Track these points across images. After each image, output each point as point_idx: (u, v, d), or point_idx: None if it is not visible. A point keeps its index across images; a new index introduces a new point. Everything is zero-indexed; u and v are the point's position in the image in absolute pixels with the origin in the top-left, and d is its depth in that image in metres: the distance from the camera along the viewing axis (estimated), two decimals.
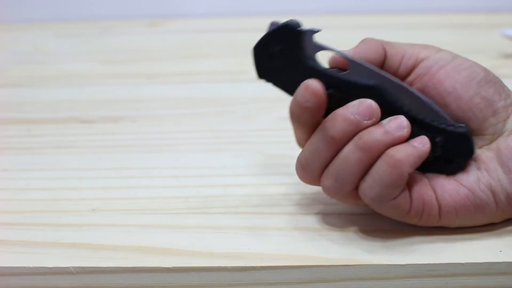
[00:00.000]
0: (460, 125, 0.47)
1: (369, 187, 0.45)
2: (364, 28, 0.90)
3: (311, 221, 0.50)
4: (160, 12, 0.96)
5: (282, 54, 0.47)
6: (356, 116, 0.46)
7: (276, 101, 0.66)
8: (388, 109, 0.46)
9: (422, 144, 0.46)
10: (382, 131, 0.45)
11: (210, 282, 0.46)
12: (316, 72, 0.47)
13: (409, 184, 0.46)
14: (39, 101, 0.72)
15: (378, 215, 0.48)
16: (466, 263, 0.45)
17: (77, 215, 0.51)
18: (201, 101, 0.70)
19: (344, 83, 0.47)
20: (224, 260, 0.46)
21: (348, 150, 0.46)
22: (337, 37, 0.87)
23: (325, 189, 0.47)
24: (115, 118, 0.67)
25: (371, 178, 0.45)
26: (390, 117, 0.46)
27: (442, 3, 0.94)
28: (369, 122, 0.46)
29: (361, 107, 0.46)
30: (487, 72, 0.48)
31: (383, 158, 0.45)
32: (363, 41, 0.50)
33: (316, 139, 0.47)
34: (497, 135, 0.47)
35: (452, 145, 0.46)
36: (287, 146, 0.58)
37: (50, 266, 0.46)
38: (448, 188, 0.46)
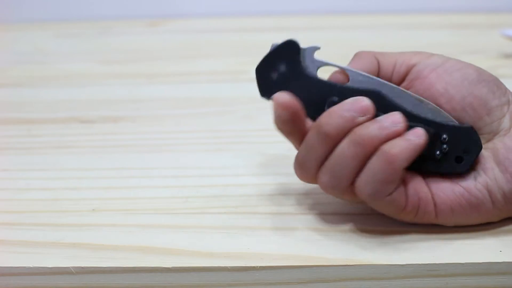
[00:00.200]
0: (464, 124, 0.47)
1: (364, 183, 0.45)
2: (364, 28, 0.90)
3: (311, 221, 0.50)
4: (160, 12, 0.96)
5: (285, 72, 0.48)
6: (351, 112, 0.46)
7: None
8: (390, 111, 0.46)
9: (416, 136, 0.45)
10: (377, 126, 0.45)
11: (210, 282, 0.46)
12: (318, 83, 0.48)
13: (405, 180, 0.46)
14: (39, 101, 0.72)
15: (378, 215, 0.48)
16: (466, 263, 0.45)
17: (77, 215, 0.51)
18: (201, 101, 0.70)
19: (345, 89, 0.47)
20: (224, 260, 0.46)
21: (344, 145, 0.46)
22: (337, 37, 0.87)
23: (322, 186, 0.47)
24: (115, 118, 0.67)
25: (366, 174, 0.45)
26: (385, 114, 0.46)
27: (442, 3, 0.94)
28: (363, 118, 0.46)
29: (356, 104, 0.46)
30: (480, 72, 0.48)
31: (378, 153, 0.45)
32: (356, 55, 0.50)
33: (311, 137, 0.47)
34: (493, 134, 0.48)
35: (458, 141, 0.47)
36: (287, 146, 0.58)
37: (50, 266, 0.46)
38: (443, 186, 0.47)
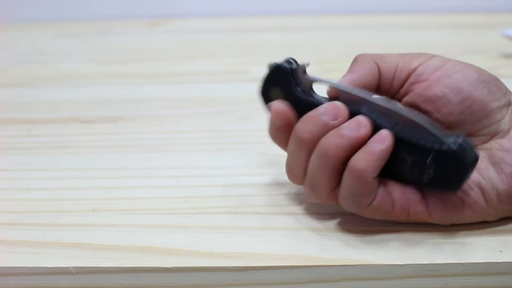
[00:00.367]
0: (455, 139, 0.44)
1: (343, 198, 0.46)
2: (364, 28, 0.90)
3: (311, 221, 0.50)
4: (160, 12, 0.96)
5: (280, 94, 0.50)
6: (323, 116, 0.46)
7: None
8: (376, 131, 0.46)
9: (380, 142, 0.45)
10: (337, 134, 0.45)
11: (210, 282, 0.46)
12: (309, 102, 0.48)
13: (387, 184, 0.46)
14: (39, 101, 0.72)
15: None
16: (466, 263, 0.45)
17: (77, 215, 0.51)
18: (201, 101, 0.70)
19: None
20: (224, 260, 0.46)
21: (314, 157, 0.46)
22: (337, 37, 0.87)
23: (307, 195, 0.48)
24: (115, 118, 0.67)
25: (343, 190, 0.46)
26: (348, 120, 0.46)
27: (442, 3, 0.94)
28: (336, 122, 0.46)
29: (328, 107, 0.46)
30: (480, 72, 0.48)
31: (347, 169, 0.45)
32: (356, 59, 0.49)
33: (291, 143, 0.48)
34: (490, 136, 0.47)
35: (444, 165, 0.44)
36: None
37: (50, 266, 0.46)
38: None
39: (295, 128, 0.47)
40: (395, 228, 0.48)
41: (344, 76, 0.48)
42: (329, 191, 0.47)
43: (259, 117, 0.65)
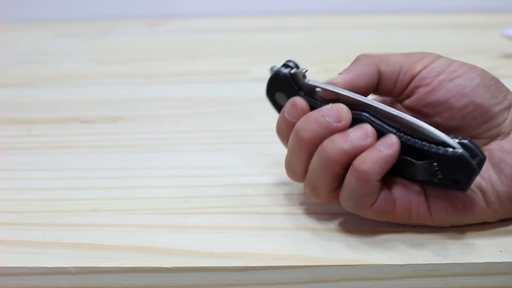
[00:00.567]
0: (460, 142, 0.44)
1: (344, 198, 0.46)
2: (364, 28, 0.90)
3: (311, 221, 0.50)
4: (160, 12, 0.96)
5: (284, 97, 0.50)
6: (326, 118, 0.46)
7: None
8: (378, 136, 0.46)
9: (388, 146, 0.45)
10: (344, 139, 0.45)
11: (210, 282, 0.46)
12: (312, 107, 0.48)
13: (390, 185, 0.46)
14: (39, 101, 0.72)
15: None
16: (466, 263, 0.45)
17: (77, 215, 0.51)
18: (201, 101, 0.70)
19: None
20: (224, 260, 0.46)
21: (315, 158, 0.46)
22: (337, 37, 0.87)
23: (306, 196, 0.48)
24: (115, 118, 0.67)
25: (345, 190, 0.46)
26: (356, 125, 0.46)
27: (442, 3, 0.94)
28: (339, 124, 0.46)
29: (332, 109, 0.46)
30: (483, 75, 0.47)
31: (350, 170, 0.45)
32: (357, 59, 0.49)
33: (292, 141, 0.48)
34: (491, 139, 0.47)
35: (450, 168, 0.44)
36: None
37: (50, 266, 0.46)
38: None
39: (297, 126, 0.47)
40: (395, 228, 0.48)
41: (340, 73, 0.48)
42: (330, 192, 0.47)
43: (259, 117, 0.65)
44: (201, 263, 0.46)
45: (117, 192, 0.54)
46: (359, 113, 0.46)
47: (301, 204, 0.51)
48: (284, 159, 0.49)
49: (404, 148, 0.45)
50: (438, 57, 0.48)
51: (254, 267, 0.45)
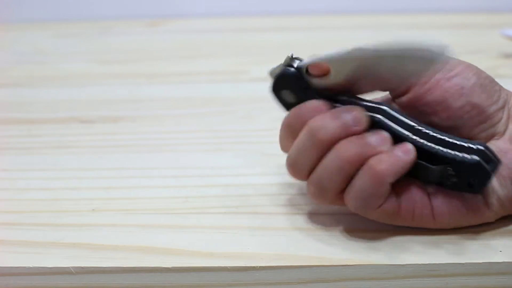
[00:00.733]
0: (475, 148, 0.45)
1: (352, 198, 0.46)
2: (364, 28, 0.90)
3: (311, 221, 0.50)
4: (160, 12, 0.96)
5: (292, 94, 0.49)
6: (345, 119, 0.46)
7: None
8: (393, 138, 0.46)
9: (405, 153, 0.45)
10: (362, 143, 0.45)
11: (210, 282, 0.46)
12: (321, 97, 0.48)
13: (399, 186, 0.46)
14: (39, 101, 0.72)
15: None
16: (466, 263, 0.45)
17: (77, 215, 0.51)
18: (201, 101, 0.70)
19: (351, 103, 0.47)
20: (224, 260, 0.46)
21: (329, 158, 0.46)
22: (337, 37, 0.87)
23: (310, 195, 0.47)
24: (115, 118, 0.67)
25: (353, 189, 0.45)
26: (374, 130, 0.46)
27: (442, 3, 0.94)
28: (357, 128, 0.46)
29: (352, 112, 0.46)
30: (479, 75, 0.47)
31: (364, 168, 0.45)
32: None
33: (304, 138, 0.47)
34: (487, 139, 0.47)
35: (466, 173, 0.45)
36: None
37: (50, 266, 0.46)
38: (441, 189, 0.46)
39: (312, 125, 0.46)
40: (395, 228, 0.48)
41: None
42: (338, 193, 0.46)
43: (259, 117, 0.65)
44: (201, 263, 0.46)
45: (117, 192, 0.54)
46: (372, 116, 0.46)
47: (301, 204, 0.51)
48: (283, 159, 0.49)
49: (420, 152, 0.45)
50: None
51: (254, 267, 0.45)
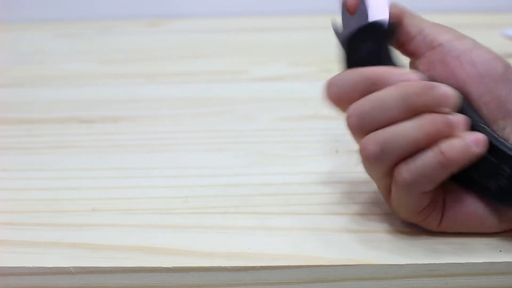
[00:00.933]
0: None
1: (408, 170, 0.43)
2: None
3: (311, 221, 0.50)
4: (160, 12, 0.96)
5: (373, 49, 0.46)
6: (441, 97, 0.43)
7: (276, 101, 0.66)
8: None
9: (477, 145, 0.43)
10: (447, 122, 0.43)
11: (210, 282, 0.46)
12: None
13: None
14: (39, 101, 0.72)
15: (378, 215, 0.48)
16: (466, 263, 0.45)
17: (77, 215, 0.51)
18: (201, 101, 0.70)
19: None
20: (224, 260, 0.46)
21: (409, 125, 0.43)
22: None
23: (365, 154, 0.44)
24: (115, 118, 0.67)
25: (414, 163, 0.43)
26: (469, 133, 0.43)
27: (442, 3, 0.94)
28: (447, 109, 0.43)
29: (447, 89, 0.43)
30: (507, 68, 0.45)
31: (435, 150, 0.43)
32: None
33: (390, 96, 0.44)
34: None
35: None
36: (287, 146, 0.58)
37: (50, 266, 0.46)
38: (458, 196, 0.45)
39: (408, 89, 0.43)
40: (395, 228, 0.48)
41: None
42: (396, 162, 0.43)
43: (259, 117, 0.65)
44: (201, 263, 0.46)
45: (117, 192, 0.54)
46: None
47: (301, 204, 0.51)
48: (283, 159, 0.48)
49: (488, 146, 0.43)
50: (465, 36, 0.47)
51: (254, 267, 0.45)
